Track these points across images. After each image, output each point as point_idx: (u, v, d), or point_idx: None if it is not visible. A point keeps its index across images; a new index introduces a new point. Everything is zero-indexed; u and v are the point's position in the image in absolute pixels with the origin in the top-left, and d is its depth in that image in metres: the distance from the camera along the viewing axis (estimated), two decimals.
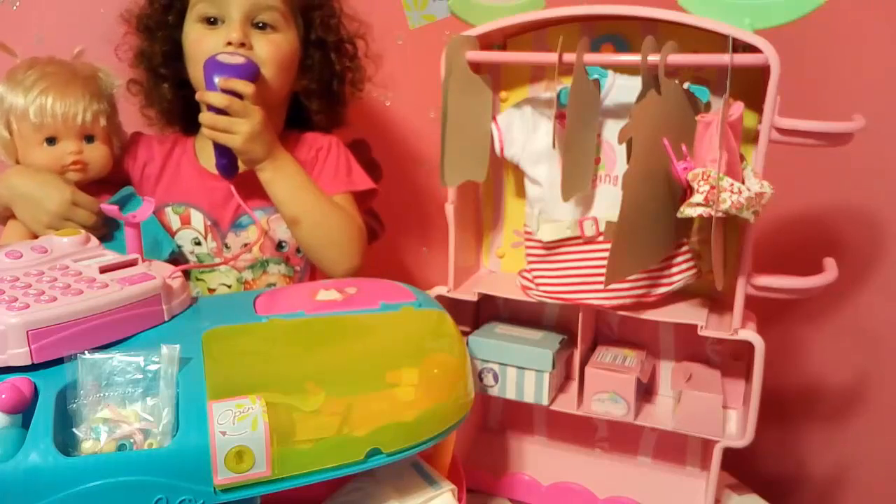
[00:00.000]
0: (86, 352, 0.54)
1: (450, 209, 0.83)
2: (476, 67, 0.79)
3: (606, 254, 0.70)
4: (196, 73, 0.85)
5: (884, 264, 1.08)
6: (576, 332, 0.81)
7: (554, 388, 0.83)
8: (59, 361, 0.55)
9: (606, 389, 0.80)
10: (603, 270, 0.70)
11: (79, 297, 0.57)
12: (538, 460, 0.90)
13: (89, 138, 0.83)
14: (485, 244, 0.92)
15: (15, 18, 1.06)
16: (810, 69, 0.98)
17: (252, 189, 0.86)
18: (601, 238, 0.77)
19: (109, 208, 0.71)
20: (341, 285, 0.73)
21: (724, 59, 0.66)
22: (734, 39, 0.67)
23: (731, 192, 0.64)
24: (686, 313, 0.77)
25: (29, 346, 0.54)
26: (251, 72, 0.83)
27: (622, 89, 0.75)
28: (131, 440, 0.51)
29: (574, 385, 0.84)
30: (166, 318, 0.64)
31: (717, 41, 0.69)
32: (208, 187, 0.89)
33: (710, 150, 0.66)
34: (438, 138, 0.75)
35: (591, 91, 0.74)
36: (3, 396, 0.51)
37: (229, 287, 0.90)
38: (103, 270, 0.63)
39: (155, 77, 0.91)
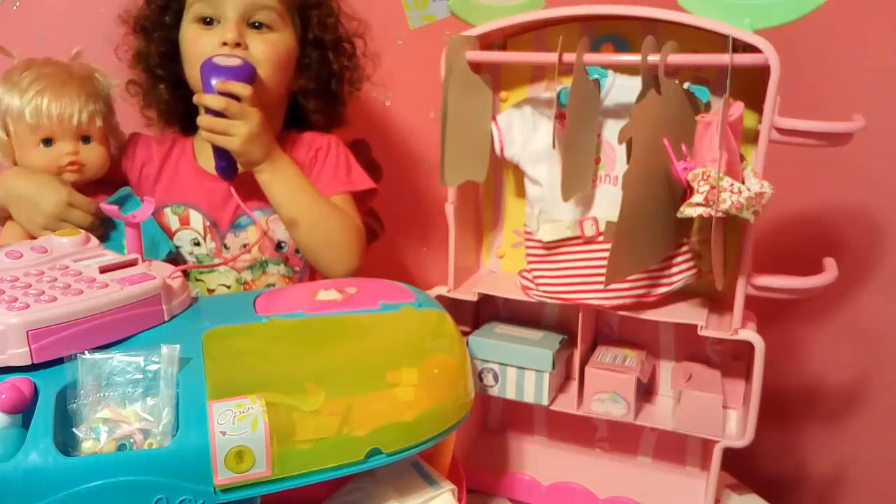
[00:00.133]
0: (86, 352, 0.54)
1: (450, 209, 0.83)
2: (476, 67, 0.79)
3: (606, 254, 0.70)
4: (193, 73, 0.85)
5: (884, 264, 1.08)
6: (576, 332, 0.81)
7: (554, 388, 0.83)
8: (59, 361, 0.54)
9: (606, 389, 0.80)
10: (603, 270, 0.70)
11: (79, 297, 0.57)
12: (538, 460, 0.90)
13: (86, 139, 0.83)
14: (485, 244, 0.92)
15: (15, 18, 1.06)
16: (810, 69, 0.98)
17: (251, 190, 0.86)
18: (601, 238, 0.77)
19: (109, 208, 0.71)
20: (341, 285, 0.73)
21: (724, 59, 0.66)
22: (734, 39, 0.67)
23: (731, 192, 0.64)
24: (686, 313, 0.77)
25: (29, 346, 0.54)
26: (247, 73, 0.83)
27: (622, 89, 0.75)
28: (131, 440, 0.51)
29: (574, 385, 0.84)
30: (166, 318, 0.64)
31: (717, 41, 0.69)
32: (207, 188, 0.89)
33: (710, 150, 0.66)
34: (438, 138, 0.75)
35: (591, 91, 0.74)
36: (3, 396, 0.51)
37: (228, 287, 0.90)
38: (103, 270, 0.63)
39: (152, 78, 0.92)
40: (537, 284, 0.80)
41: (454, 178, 0.79)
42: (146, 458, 0.51)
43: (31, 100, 0.79)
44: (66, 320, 0.55)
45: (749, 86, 0.71)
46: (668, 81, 0.69)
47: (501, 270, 0.92)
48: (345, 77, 0.95)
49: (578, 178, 0.75)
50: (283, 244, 0.90)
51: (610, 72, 0.76)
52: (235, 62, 0.82)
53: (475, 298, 0.83)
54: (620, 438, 0.89)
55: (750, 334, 0.73)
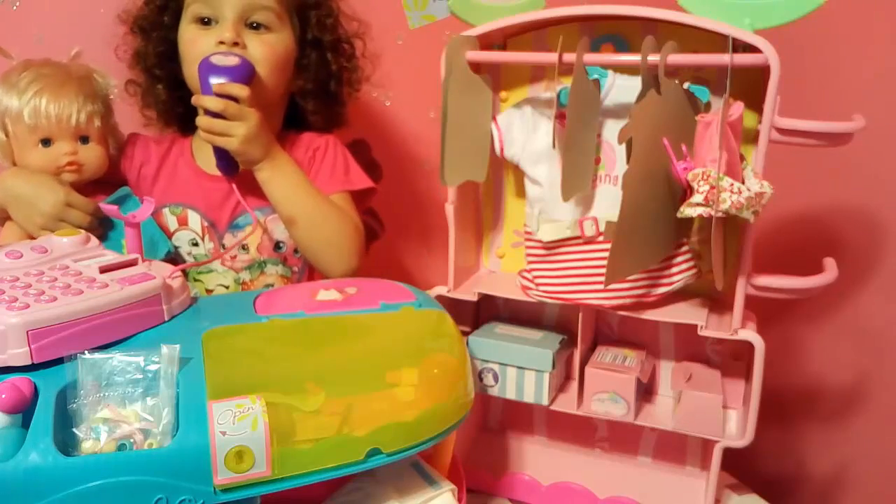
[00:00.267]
0: (86, 352, 0.54)
1: (450, 209, 0.83)
2: (476, 67, 0.79)
3: (606, 254, 0.70)
4: (191, 73, 0.85)
5: (884, 264, 1.08)
6: (576, 332, 0.81)
7: (554, 388, 0.83)
8: (59, 361, 0.54)
9: (606, 389, 0.80)
10: (603, 270, 0.70)
11: (79, 297, 0.57)
12: (538, 460, 0.90)
13: (84, 139, 0.83)
14: (485, 244, 0.92)
15: (15, 18, 1.06)
16: (810, 69, 0.98)
17: (250, 190, 0.86)
18: (601, 238, 0.77)
19: (109, 208, 0.71)
20: (341, 285, 0.73)
21: (724, 59, 0.66)
22: (734, 39, 0.67)
23: (731, 192, 0.64)
24: (686, 313, 0.77)
25: (29, 346, 0.54)
26: (245, 72, 0.82)
27: (622, 89, 0.75)
28: (131, 440, 0.51)
29: (574, 385, 0.84)
30: (166, 318, 0.64)
31: (717, 41, 0.69)
32: (205, 188, 0.89)
33: (710, 150, 0.66)
34: (438, 138, 0.75)
35: (591, 91, 0.74)
36: (3, 396, 0.51)
37: (227, 288, 0.90)
38: (103, 270, 0.63)
39: (151, 78, 0.92)
40: (537, 284, 0.80)
41: (454, 178, 0.79)
42: (146, 458, 0.51)
43: (30, 100, 0.79)
44: (66, 320, 0.55)
45: (749, 86, 0.71)
46: (668, 81, 0.69)
47: (501, 270, 0.92)
48: (344, 78, 0.94)
49: (578, 178, 0.75)
50: (281, 244, 0.90)
51: (610, 72, 0.76)
52: (233, 61, 0.82)
53: (475, 298, 0.83)
54: (620, 438, 0.89)
55: (750, 334, 0.73)
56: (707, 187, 0.64)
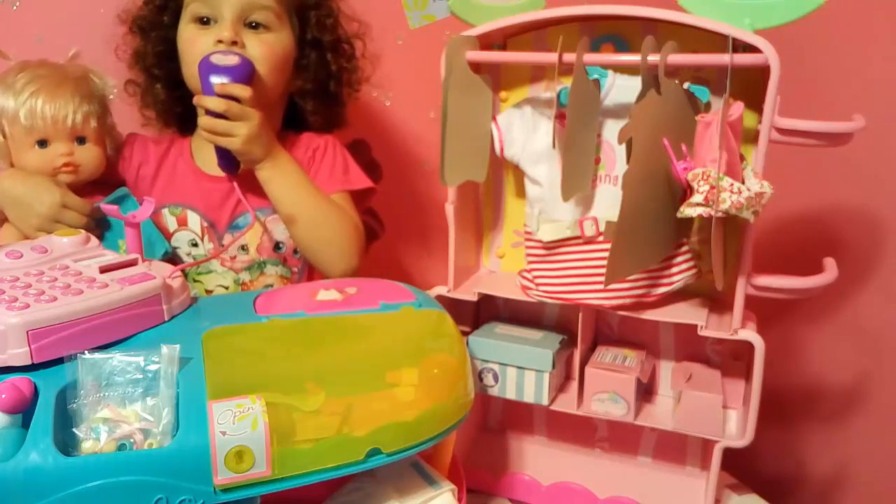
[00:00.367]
0: (86, 352, 0.54)
1: (450, 209, 0.83)
2: (476, 67, 0.79)
3: (606, 254, 0.70)
4: (190, 73, 0.85)
5: (884, 264, 1.08)
6: (576, 332, 0.81)
7: (554, 388, 0.83)
8: (59, 361, 0.54)
9: (606, 389, 0.80)
10: (603, 270, 0.70)
11: (79, 297, 0.57)
12: (538, 460, 0.90)
13: (81, 140, 0.83)
14: (485, 244, 0.92)
15: (15, 18, 1.06)
16: (810, 69, 0.98)
17: (251, 189, 0.86)
18: (601, 238, 0.77)
19: (109, 208, 0.71)
20: (341, 285, 0.73)
21: (724, 59, 0.66)
22: (734, 39, 0.67)
23: (731, 192, 0.64)
24: (686, 313, 0.77)
25: (29, 346, 0.54)
26: (246, 71, 0.82)
27: (622, 89, 0.75)
28: (131, 440, 0.51)
29: (574, 385, 0.84)
30: (166, 318, 0.64)
31: (717, 41, 0.69)
32: (205, 189, 0.89)
33: (710, 150, 0.66)
34: (438, 138, 0.75)
35: (591, 91, 0.74)
36: (3, 396, 0.51)
37: (226, 289, 0.90)
38: (103, 270, 0.63)
39: (149, 77, 0.92)
40: (537, 284, 0.80)
41: (454, 178, 0.79)
42: (146, 458, 0.51)
43: (26, 101, 0.79)
44: (66, 320, 0.55)
45: (749, 86, 0.71)
46: (668, 81, 0.69)
47: (501, 270, 0.92)
48: (343, 78, 0.94)
49: (578, 178, 0.75)
50: (281, 245, 0.90)
51: (610, 72, 0.76)
52: (233, 60, 0.82)
53: (475, 298, 0.83)
54: (620, 438, 0.89)
55: (750, 334, 0.73)
56: (707, 187, 0.64)
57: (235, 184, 0.86)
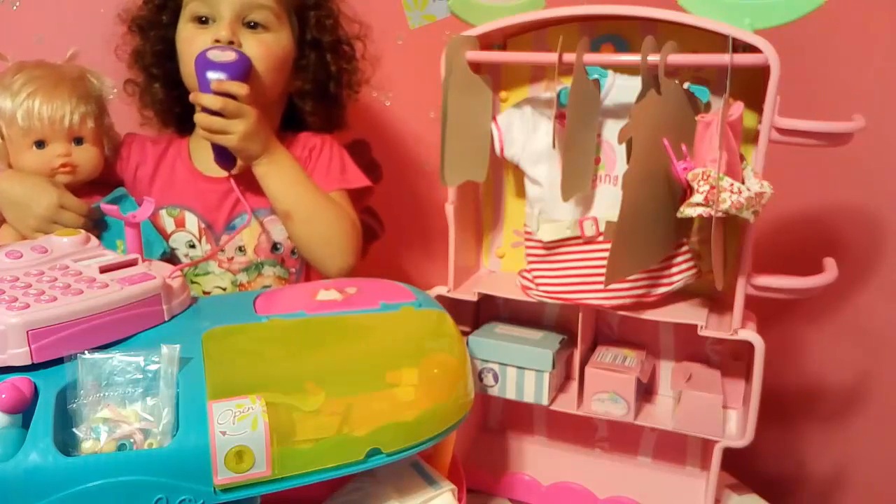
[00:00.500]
0: (86, 352, 0.54)
1: (450, 209, 0.83)
2: (476, 67, 0.79)
3: (606, 254, 0.70)
4: (188, 72, 0.85)
5: (884, 264, 1.08)
6: (576, 332, 0.81)
7: (554, 388, 0.83)
8: (59, 361, 0.55)
9: (606, 389, 0.80)
10: (603, 270, 0.70)
11: (79, 296, 0.57)
12: (538, 460, 0.90)
13: (78, 140, 0.83)
14: (485, 244, 0.92)
15: (15, 18, 1.06)
16: (810, 69, 0.98)
17: (249, 189, 0.86)
18: (601, 238, 0.77)
19: (109, 208, 0.71)
20: (341, 285, 0.73)
21: (724, 59, 0.66)
22: (734, 39, 0.67)
23: (731, 192, 0.64)
24: (686, 313, 0.77)
25: (29, 346, 0.54)
26: (242, 68, 0.82)
27: (622, 89, 0.75)
28: (131, 440, 0.51)
29: (574, 385, 0.84)
30: (166, 318, 0.64)
31: (717, 41, 0.69)
32: (203, 190, 0.89)
33: (710, 150, 0.66)
34: (438, 138, 0.75)
35: (591, 91, 0.74)
36: (3, 396, 0.51)
37: (224, 290, 0.89)
38: (103, 270, 0.63)
39: (148, 77, 0.91)
40: (537, 284, 0.80)
41: (454, 178, 0.79)
42: (146, 458, 0.51)
43: (23, 102, 0.79)
44: (66, 320, 0.55)
45: (749, 86, 0.71)
46: (668, 81, 0.69)
47: (501, 270, 0.92)
48: (343, 80, 0.94)
49: (578, 178, 0.75)
50: (278, 245, 0.90)
51: (610, 72, 0.76)
52: (230, 57, 0.81)
53: (475, 298, 0.83)
54: (620, 438, 0.89)
55: (750, 334, 0.73)
56: (707, 187, 0.64)
57: (233, 182, 0.86)
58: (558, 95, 0.74)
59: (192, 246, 0.89)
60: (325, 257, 0.87)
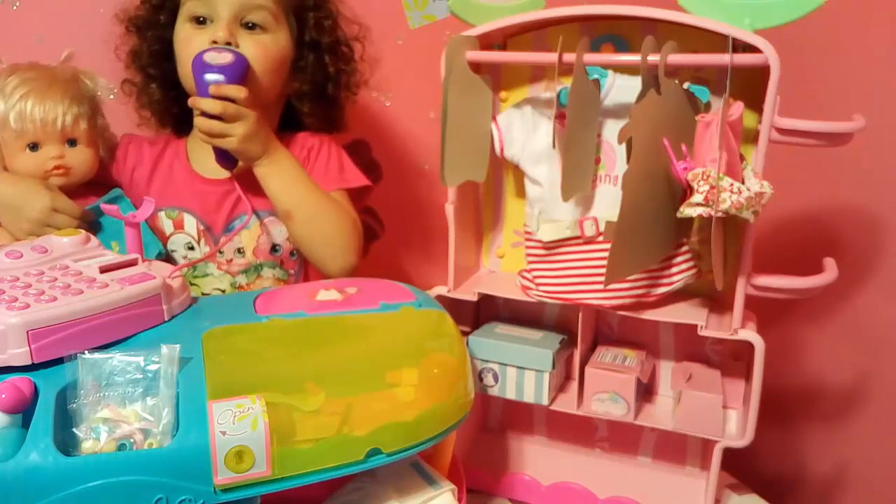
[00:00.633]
0: (86, 352, 0.54)
1: (450, 209, 0.83)
2: (476, 67, 0.79)
3: (606, 254, 0.70)
4: (185, 73, 0.84)
5: (884, 264, 1.08)
6: (576, 332, 0.81)
7: (554, 388, 0.83)
8: (59, 361, 0.55)
9: (606, 389, 0.80)
10: (603, 270, 0.70)
11: (79, 296, 0.57)
12: (538, 460, 0.90)
13: (72, 142, 0.83)
14: (485, 244, 0.92)
15: (15, 18, 1.06)
16: (810, 69, 0.98)
17: (250, 191, 0.86)
18: (601, 238, 0.77)
19: (109, 208, 0.71)
20: (341, 285, 0.73)
21: (724, 59, 0.66)
22: (734, 39, 0.67)
23: (731, 192, 0.64)
24: (686, 313, 0.77)
25: (29, 346, 0.54)
26: (240, 69, 0.81)
27: (622, 89, 0.75)
28: (131, 440, 0.51)
29: (574, 385, 0.84)
30: (166, 318, 0.64)
31: (717, 41, 0.69)
32: (201, 191, 0.89)
33: (710, 150, 0.66)
34: (438, 138, 0.75)
35: (591, 91, 0.74)
36: (3, 396, 0.51)
37: (223, 292, 0.89)
38: (103, 270, 0.63)
39: (145, 77, 0.91)
40: (537, 284, 0.80)
41: (454, 178, 0.79)
42: (146, 458, 0.51)
43: (15, 104, 0.79)
44: (66, 320, 0.55)
45: (749, 86, 0.71)
46: (668, 81, 0.69)
47: (501, 270, 0.92)
48: (341, 81, 0.93)
49: (578, 178, 0.75)
50: (278, 247, 0.90)
51: (610, 72, 0.76)
52: (227, 59, 0.80)
53: (475, 298, 0.83)
54: (620, 438, 0.89)
55: (750, 334, 0.73)
56: (707, 187, 0.64)
57: (235, 182, 0.86)
58: (558, 95, 0.74)
59: (191, 248, 0.89)
60: (327, 257, 0.86)
